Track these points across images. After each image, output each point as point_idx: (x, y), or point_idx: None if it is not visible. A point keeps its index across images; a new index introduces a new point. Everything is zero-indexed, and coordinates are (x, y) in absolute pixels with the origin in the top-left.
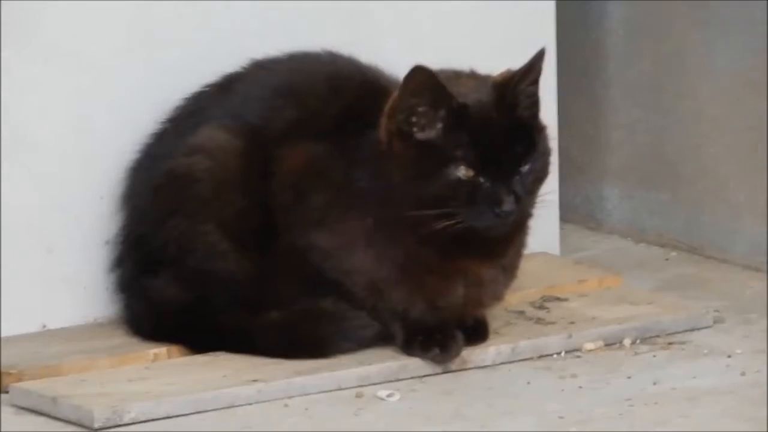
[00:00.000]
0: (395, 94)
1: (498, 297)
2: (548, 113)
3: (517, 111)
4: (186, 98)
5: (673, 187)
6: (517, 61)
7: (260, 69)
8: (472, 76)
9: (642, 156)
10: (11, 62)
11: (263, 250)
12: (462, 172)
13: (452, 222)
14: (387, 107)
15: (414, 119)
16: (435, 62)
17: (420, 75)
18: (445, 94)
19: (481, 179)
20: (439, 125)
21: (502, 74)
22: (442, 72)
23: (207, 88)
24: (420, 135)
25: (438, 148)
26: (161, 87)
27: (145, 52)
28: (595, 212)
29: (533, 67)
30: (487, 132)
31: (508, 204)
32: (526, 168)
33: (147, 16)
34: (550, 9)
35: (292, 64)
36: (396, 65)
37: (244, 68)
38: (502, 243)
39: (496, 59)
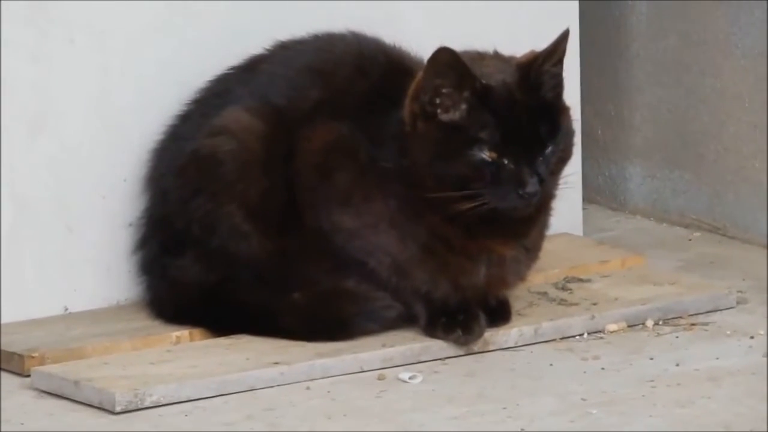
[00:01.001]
0: (419, 75)
1: (521, 277)
2: (571, 93)
3: (541, 92)
4: (210, 80)
5: (696, 166)
6: (540, 41)
7: (285, 50)
8: (496, 57)
9: (665, 135)
10: (37, 41)
11: (286, 231)
12: (486, 153)
13: (476, 203)
14: (411, 88)
15: (438, 100)
16: (459, 42)
17: (444, 56)
18: (470, 75)
19: (505, 160)
20: (464, 106)
21: (526, 55)
22: (466, 53)
23: (231, 70)
24: (444, 116)
25: (462, 129)
26: (186, 68)
27: (170, 33)
28: (617, 192)
29: (557, 48)
30: (511, 113)
31: (532, 185)
32: (549, 149)
33: None
34: None
35: (316, 45)
36: (420, 46)
37: (268, 49)
38: (525, 223)
39: (519, 39)
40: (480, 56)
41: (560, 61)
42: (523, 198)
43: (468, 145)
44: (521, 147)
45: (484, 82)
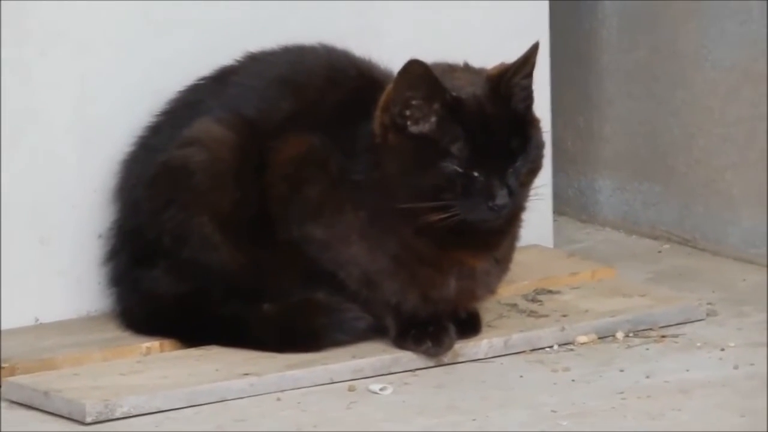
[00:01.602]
0: (389, 87)
1: (491, 290)
2: (541, 105)
3: (511, 104)
4: (181, 91)
5: (666, 178)
6: (510, 52)
7: (255, 61)
8: (467, 69)
9: (635, 147)
10: (10, 52)
11: (257, 242)
12: (456, 165)
13: (447, 215)
14: (381, 100)
15: (408, 112)
16: (431, 55)
17: (415, 68)
18: (440, 87)
19: (475, 173)
20: (434, 119)
21: (496, 68)
22: (437, 65)
23: (202, 81)
24: (414, 128)
25: (432, 141)
26: (159, 80)
27: (143, 45)
28: (587, 204)
29: (527, 60)
30: (481, 125)
31: (502, 198)
32: (519, 161)
33: (143, 7)
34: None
35: (287, 57)
36: (391, 59)
37: (238, 61)
38: (496, 235)
39: (489, 50)
40: (450, 68)
41: (530, 74)
42: (493, 210)
43: (438, 157)
44: (491, 159)
45: (454, 94)
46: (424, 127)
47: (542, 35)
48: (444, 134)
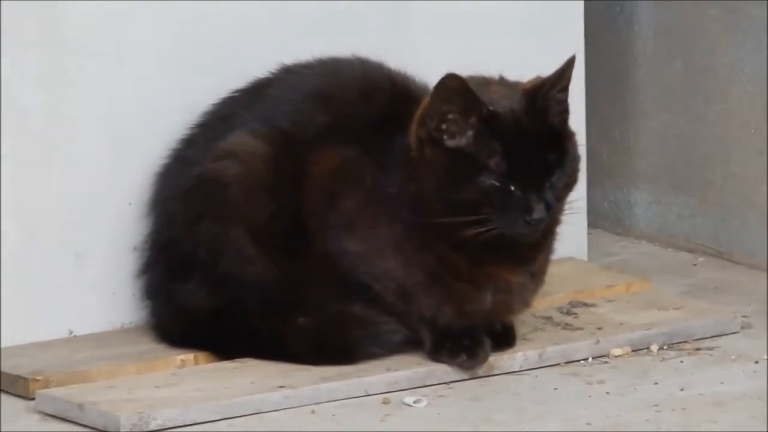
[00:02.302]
0: (426, 100)
1: (526, 303)
2: (577, 117)
3: (547, 118)
4: (215, 103)
5: (702, 191)
6: (546, 65)
7: (290, 74)
8: (502, 83)
9: (670, 161)
10: (45, 66)
11: (292, 255)
12: (493, 180)
13: (484, 229)
14: (417, 114)
15: (444, 126)
16: (466, 68)
17: (451, 82)
18: (476, 101)
19: (512, 187)
20: (470, 133)
21: (531, 81)
22: (472, 79)
23: (237, 93)
24: (450, 142)
25: (469, 155)
26: (191, 91)
27: (175, 56)
28: (623, 217)
29: (564, 74)
30: (518, 140)
31: (539, 212)
32: (556, 175)
33: (181, 19)
34: (578, 12)
35: (322, 69)
36: (427, 71)
37: (273, 73)
38: (532, 249)
39: (525, 63)
40: (486, 82)
41: (566, 87)
42: (530, 225)
43: (475, 171)
44: (528, 173)
45: (491, 108)
46: (460, 141)
47: (577, 48)
48: (481, 148)
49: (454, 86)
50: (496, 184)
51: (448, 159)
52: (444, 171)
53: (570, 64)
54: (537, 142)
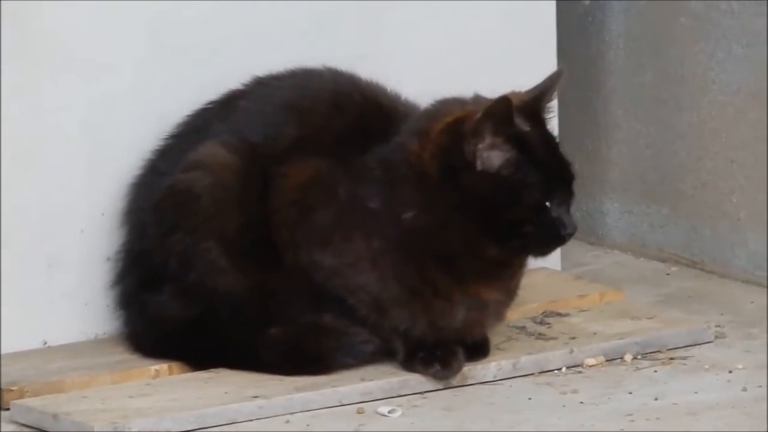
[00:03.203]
0: (438, 128)
1: (500, 317)
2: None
3: (549, 130)
4: (189, 114)
5: (674, 201)
6: (519, 75)
7: (262, 86)
8: (480, 101)
9: (642, 170)
10: (19, 75)
11: (264, 266)
12: (531, 198)
13: (518, 248)
14: (435, 142)
15: (481, 150)
16: (436, 78)
17: (503, 106)
18: (511, 123)
19: (548, 203)
20: (506, 155)
21: (522, 96)
22: (452, 100)
23: (210, 105)
24: (486, 166)
25: (507, 177)
26: (165, 102)
27: (150, 66)
28: (595, 227)
29: (553, 85)
30: (546, 155)
31: (572, 225)
32: (573, 186)
33: (156, 30)
34: (550, 22)
35: (293, 81)
36: (402, 78)
37: (246, 85)
38: (515, 267)
39: (497, 73)
40: (464, 102)
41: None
42: (565, 238)
43: (514, 192)
44: (558, 187)
45: (518, 128)
46: (496, 164)
47: (549, 57)
48: (517, 169)
49: (504, 110)
50: (538, 202)
51: (488, 183)
52: (487, 195)
53: (558, 75)
54: (560, 156)
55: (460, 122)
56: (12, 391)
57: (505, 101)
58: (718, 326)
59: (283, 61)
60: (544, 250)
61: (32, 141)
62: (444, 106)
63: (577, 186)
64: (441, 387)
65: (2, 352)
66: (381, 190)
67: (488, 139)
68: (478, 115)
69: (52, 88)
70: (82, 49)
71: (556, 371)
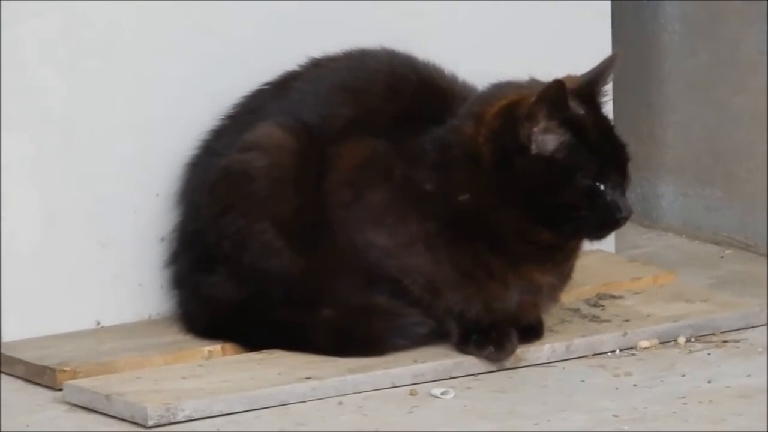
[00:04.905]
0: (494, 110)
1: (554, 300)
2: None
3: (603, 113)
4: (245, 95)
5: (728, 184)
6: (573, 59)
7: (318, 67)
8: (536, 84)
9: (697, 153)
10: (69, 57)
11: (318, 247)
12: (587, 181)
13: (573, 231)
14: (491, 125)
15: (536, 134)
16: (487, 60)
17: (558, 89)
18: (566, 106)
19: (602, 186)
20: (561, 138)
21: (578, 80)
22: (506, 84)
23: (266, 86)
24: (541, 149)
25: (562, 160)
26: (220, 82)
27: (205, 47)
28: (650, 210)
29: (607, 69)
30: (600, 138)
31: (627, 208)
32: (628, 169)
33: (207, 10)
34: (606, 5)
35: (349, 63)
36: (453, 65)
37: (301, 66)
38: (569, 251)
39: (553, 57)
40: (520, 86)
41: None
42: (619, 222)
43: (571, 175)
44: (614, 170)
45: (573, 111)
46: (551, 148)
47: (604, 40)
48: (572, 152)
49: (558, 94)
50: (591, 185)
51: (542, 166)
52: (540, 179)
53: (612, 60)
54: (614, 139)
55: (515, 106)
56: (65, 371)
57: (559, 85)
58: None
59: (332, 43)
60: (598, 233)
61: (84, 121)
62: (499, 89)
63: (631, 169)
64: (494, 369)
65: (55, 333)
66: (435, 172)
67: (542, 123)
68: (533, 99)
69: (104, 67)
70: (134, 28)
71: (609, 353)
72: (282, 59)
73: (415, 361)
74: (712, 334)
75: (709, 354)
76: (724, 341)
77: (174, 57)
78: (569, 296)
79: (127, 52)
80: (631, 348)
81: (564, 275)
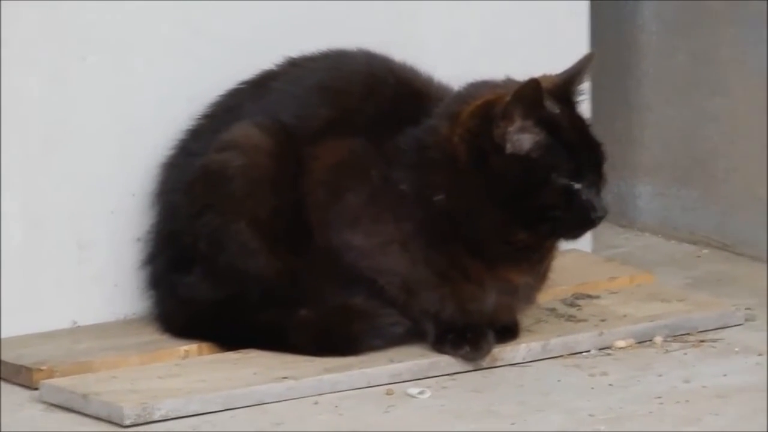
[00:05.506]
0: (469, 111)
1: (530, 301)
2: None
3: (579, 113)
4: (222, 95)
5: (705, 184)
6: (551, 59)
7: (295, 67)
8: (511, 84)
9: (674, 153)
10: (49, 59)
11: (295, 248)
12: (563, 181)
13: (549, 232)
14: (468, 125)
15: (511, 134)
16: (470, 61)
17: (532, 89)
18: (541, 105)
19: (577, 186)
20: (536, 138)
21: (553, 80)
22: (482, 83)
23: (242, 85)
24: (516, 149)
25: (537, 160)
26: (197, 83)
27: (182, 48)
28: (626, 209)
29: (583, 68)
30: (576, 138)
31: (602, 208)
32: (603, 168)
33: (187, 11)
34: (583, 5)
35: (326, 63)
36: (429, 66)
37: (279, 66)
38: (546, 251)
39: (529, 57)
40: (496, 85)
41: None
42: (595, 222)
43: (546, 175)
44: (589, 169)
45: (548, 110)
46: (526, 147)
47: (582, 40)
48: (547, 152)
49: (534, 93)
50: (567, 184)
51: (518, 166)
52: (516, 179)
53: (589, 59)
54: (590, 138)
55: (490, 105)
56: (41, 371)
57: (534, 84)
58: (748, 309)
59: (314, 45)
60: (574, 233)
61: (62, 121)
62: (474, 89)
63: (608, 169)
64: (470, 368)
65: (32, 332)
66: (412, 172)
67: (518, 122)
68: (508, 98)
69: (82, 67)
70: (113, 29)
71: (585, 353)
72: (266, 61)
73: (392, 361)
74: (689, 334)
75: (685, 354)
76: (701, 341)
77: (153, 58)
78: (545, 296)
79: (105, 53)
80: (608, 348)
81: (540, 275)
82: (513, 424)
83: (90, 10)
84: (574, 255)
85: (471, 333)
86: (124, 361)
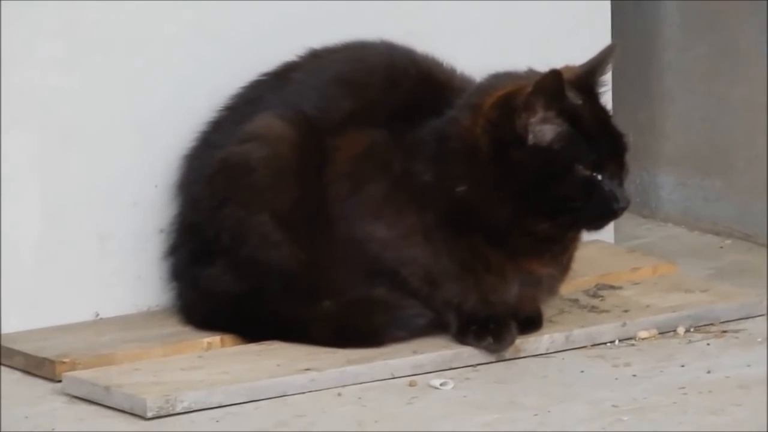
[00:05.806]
0: (492, 101)
1: (553, 292)
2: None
3: (601, 103)
4: (243, 86)
5: (727, 174)
6: (573, 50)
7: (316, 58)
8: (533, 75)
9: (696, 144)
10: (68, 50)
11: (317, 240)
12: (585, 172)
13: (570, 223)
14: (489, 116)
15: (533, 124)
16: (490, 53)
17: (554, 80)
18: (563, 96)
19: (599, 177)
20: (558, 129)
21: (571, 69)
22: (505, 75)
23: (264, 77)
24: (537, 140)
25: (559, 151)
26: (219, 74)
27: (203, 39)
28: (649, 200)
29: (605, 59)
30: (597, 129)
31: (625, 198)
32: (626, 158)
33: (208, 6)
34: None
35: (348, 54)
36: (451, 57)
37: (300, 57)
38: (568, 242)
39: (552, 48)
40: (518, 76)
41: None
42: (617, 212)
43: (566, 166)
44: (611, 160)
45: (571, 102)
46: (548, 138)
47: (604, 32)
48: (569, 143)
49: (555, 84)
50: (588, 175)
51: (539, 157)
52: (538, 170)
53: (611, 49)
54: (612, 129)
55: (512, 96)
56: (64, 363)
57: (555, 75)
58: None
59: (333, 37)
60: (596, 224)
61: (84, 113)
62: (496, 80)
63: (630, 159)
64: (493, 360)
65: (54, 325)
66: (434, 164)
67: (540, 113)
68: (529, 89)
69: (103, 60)
70: (132, 21)
71: (608, 344)
72: (282, 55)
73: (415, 352)
74: (712, 324)
75: (708, 344)
76: (724, 331)
77: (173, 51)
78: (568, 287)
79: (126, 47)
80: (631, 338)
81: (563, 266)
82: (536, 415)
83: (110, 5)
84: (597, 246)
85: (494, 324)
86: (146, 353)
